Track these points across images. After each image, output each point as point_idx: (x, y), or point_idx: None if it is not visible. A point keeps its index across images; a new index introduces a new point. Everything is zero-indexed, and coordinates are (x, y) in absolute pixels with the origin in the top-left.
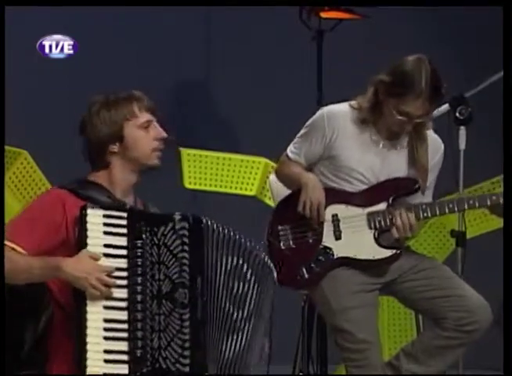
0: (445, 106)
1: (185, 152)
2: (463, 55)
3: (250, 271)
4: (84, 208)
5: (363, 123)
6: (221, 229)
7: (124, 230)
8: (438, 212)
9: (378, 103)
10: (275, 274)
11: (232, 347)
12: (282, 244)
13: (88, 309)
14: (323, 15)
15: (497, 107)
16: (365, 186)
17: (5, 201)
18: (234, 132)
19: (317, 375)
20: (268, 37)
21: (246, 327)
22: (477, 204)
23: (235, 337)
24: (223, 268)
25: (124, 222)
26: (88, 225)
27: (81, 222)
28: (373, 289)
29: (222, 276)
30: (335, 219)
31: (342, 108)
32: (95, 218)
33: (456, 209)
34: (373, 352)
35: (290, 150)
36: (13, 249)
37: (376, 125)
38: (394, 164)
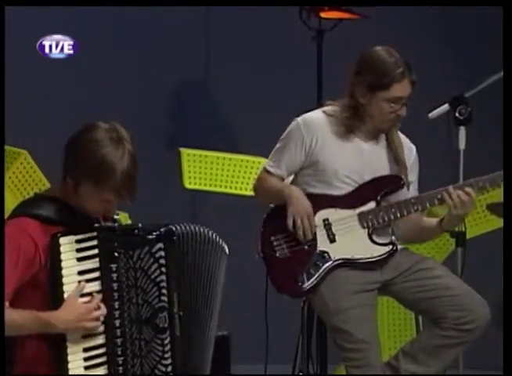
0: (445, 106)
1: (185, 152)
2: (463, 55)
3: (215, 261)
4: (55, 238)
5: (348, 133)
6: (188, 229)
7: (96, 251)
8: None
9: (358, 109)
10: (227, 251)
11: (205, 334)
12: (278, 254)
13: (69, 344)
14: (323, 15)
15: (497, 107)
16: (350, 188)
17: (5, 201)
18: (234, 132)
19: (317, 375)
20: (268, 37)
21: (212, 313)
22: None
23: (206, 329)
24: (195, 271)
25: (95, 243)
26: (63, 256)
27: (54, 252)
28: (371, 289)
29: (195, 279)
30: (327, 223)
31: (316, 115)
32: (67, 246)
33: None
34: (372, 352)
35: (269, 165)
36: None
37: (359, 129)
38: (377, 162)
